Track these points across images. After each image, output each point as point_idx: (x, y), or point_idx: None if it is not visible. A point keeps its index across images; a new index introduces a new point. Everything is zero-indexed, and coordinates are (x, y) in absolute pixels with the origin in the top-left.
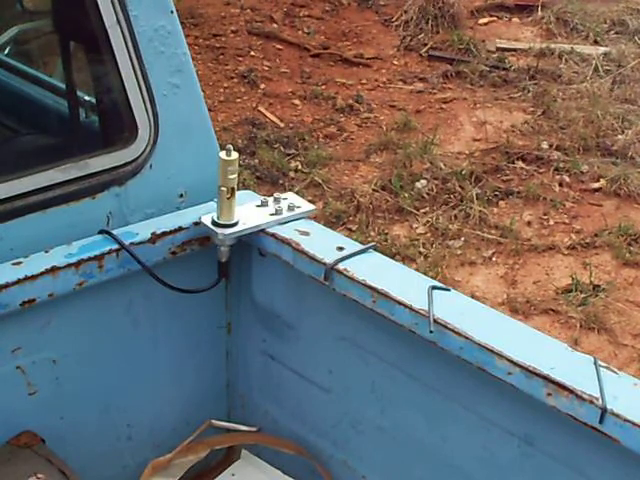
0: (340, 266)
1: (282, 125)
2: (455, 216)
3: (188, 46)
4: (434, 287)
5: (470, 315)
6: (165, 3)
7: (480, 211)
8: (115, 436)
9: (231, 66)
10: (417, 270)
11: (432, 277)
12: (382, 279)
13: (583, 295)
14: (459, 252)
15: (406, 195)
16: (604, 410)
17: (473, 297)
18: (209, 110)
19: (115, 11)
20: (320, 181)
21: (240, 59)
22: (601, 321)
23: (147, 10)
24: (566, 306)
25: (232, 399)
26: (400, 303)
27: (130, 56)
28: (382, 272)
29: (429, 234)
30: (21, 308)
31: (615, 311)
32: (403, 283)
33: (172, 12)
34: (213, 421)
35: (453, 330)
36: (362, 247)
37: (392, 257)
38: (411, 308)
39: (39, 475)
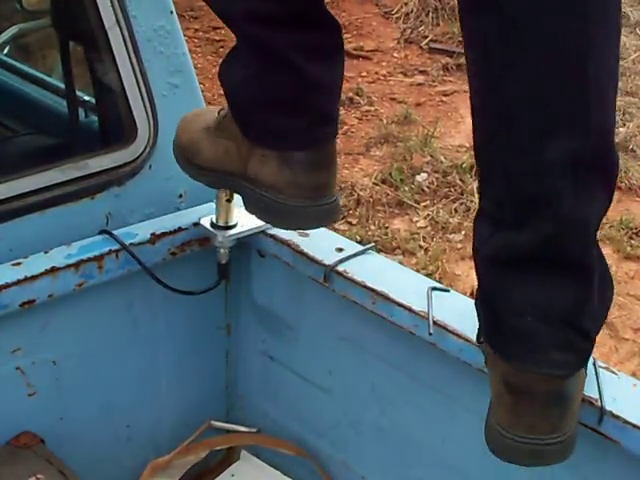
0: (340, 267)
1: None
2: (455, 209)
3: (188, 39)
4: (434, 288)
5: (470, 316)
6: (165, 3)
7: None
8: (115, 437)
9: None
10: (417, 264)
11: (432, 271)
12: (382, 280)
13: None
14: (459, 246)
15: (406, 189)
16: (603, 411)
17: (473, 291)
18: (209, 103)
19: (114, 11)
20: None
21: None
22: None
23: (146, 10)
24: None
25: (232, 400)
26: (400, 304)
27: (129, 56)
28: (382, 273)
29: (429, 228)
30: (21, 309)
31: (616, 305)
32: (403, 284)
33: (172, 12)
34: (213, 422)
35: (453, 332)
36: (362, 248)
37: (392, 251)
38: (410, 310)
39: (39, 476)
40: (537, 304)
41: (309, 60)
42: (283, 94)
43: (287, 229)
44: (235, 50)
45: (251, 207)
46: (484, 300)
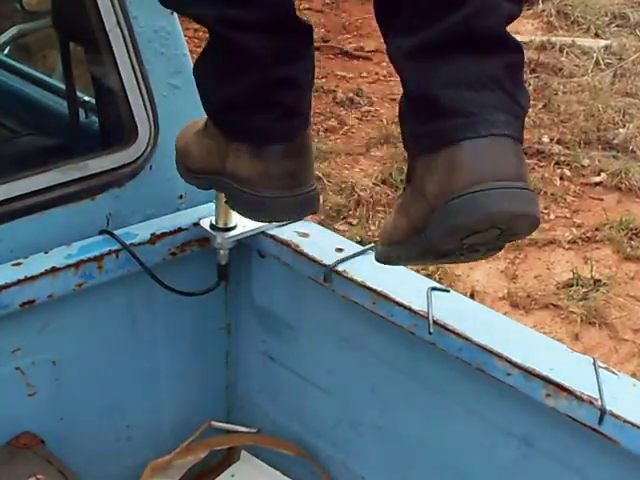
0: (340, 267)
1: None
2: None
3: (188, 39)
4: (433, 288)
5: (469, 316)
6: None
7: None
8: (115, 437)
9: None
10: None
11: (432, 271)
12: (381, 280)
13: (584, 290)
14: None
15: None
16: (603, 411)
17: (474, 292)
18: None
19: (115, 12)
20: (320, 175)
21: None
22: (602, 316)
23: (147, 11)
24: (567, 301)
25: (232, 400)
26: (399, 304)
27: (130, 57)
28: (381, 273)
29: None
30: (21, 309)
31: (616, 306)
32: (402, 284)
33: (172, 13)
34: (213, 422)
35: (452, 331)
36: (362, 248)
37: None
38: (410, 309)
39: (39, 476)
40: (467, 75)
41: (278, 60)
42: (252, 92)
43: (266, 222)
44: (207, 48)
45: (231, 202)
46: (415, 100)
